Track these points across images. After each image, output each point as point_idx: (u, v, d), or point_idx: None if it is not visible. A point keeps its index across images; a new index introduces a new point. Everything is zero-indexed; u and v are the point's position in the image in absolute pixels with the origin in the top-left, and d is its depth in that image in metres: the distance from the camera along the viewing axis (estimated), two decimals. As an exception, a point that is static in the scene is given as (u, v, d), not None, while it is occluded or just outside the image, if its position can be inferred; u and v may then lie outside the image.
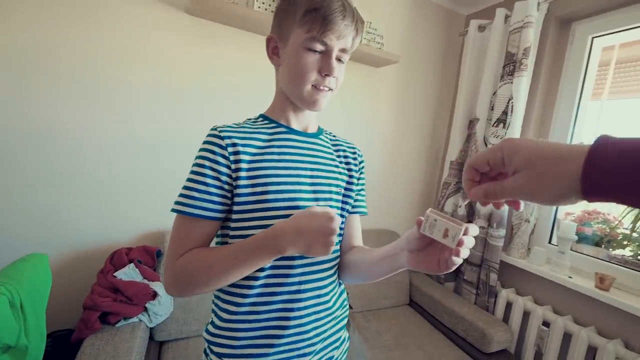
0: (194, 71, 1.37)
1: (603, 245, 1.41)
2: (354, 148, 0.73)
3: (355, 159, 0.71)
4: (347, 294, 0.73)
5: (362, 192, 0.73)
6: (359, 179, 0.72)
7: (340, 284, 0.69)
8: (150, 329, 1.18)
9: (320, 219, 0.49)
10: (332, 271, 0.65)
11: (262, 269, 0.56)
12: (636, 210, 1.33)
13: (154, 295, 1.15)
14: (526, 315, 1.45)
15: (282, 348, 0.58)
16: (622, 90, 1.48)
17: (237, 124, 0.61)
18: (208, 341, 0.60)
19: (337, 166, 0.67)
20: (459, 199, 1.74)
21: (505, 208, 1.51)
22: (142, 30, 1.27)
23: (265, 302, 0.57)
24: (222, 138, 0.56)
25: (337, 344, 0.66)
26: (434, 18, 1.89)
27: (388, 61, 1.63)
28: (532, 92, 1.53)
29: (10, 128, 1.14)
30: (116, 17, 1.23)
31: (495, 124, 1.55)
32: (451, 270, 0.47)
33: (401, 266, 0.55)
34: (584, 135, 1.49)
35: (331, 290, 0.64)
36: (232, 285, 0.58)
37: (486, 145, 1.62)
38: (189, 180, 0.55)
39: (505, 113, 1.52)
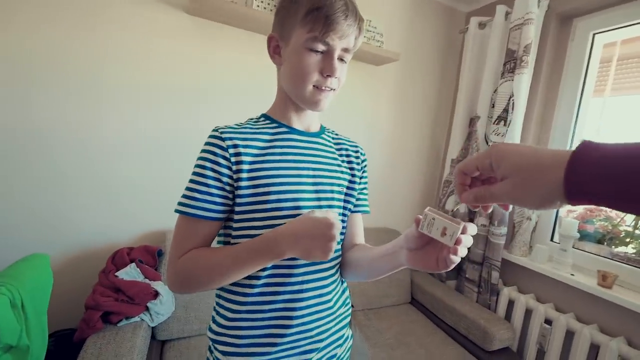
0: (194, 71, 1.37)
1: (605, 243, 1.40)
2: (356, 147, 0.73)
3: (357, 157, 0.71)
4: (349, 292, 0.73)
5: (364, 191, 0.73)
6: (361, 177, 0.71)
7: (342, 282, 0.69)
8: (152, 328, 1.19)
9: (320, 225, 0.49)
10: (333, 270, 0.65)
11: (264, 269, 0.56)
12: (639, 207, 1.32)
13: (156, 294, 1.15)
14: (528, 313, 1.44)
15: (285, 346, 0.58)
16: (625, 86, 1.47)
17: (238, 125, 0.61)
18: (212, 340, 0.60)
19: (339, 165, 0.67)
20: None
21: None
22: (142, 30, 1.27)
23: (268, 302, 0.58)
24: (223, 139, 0.56)
25: (340, 341, 0.66)
26: (434, 15, 1.88)
27: (388, 59, 1.63)
28: (533, 89, 1.52)
29: (14, 128, 1.14)
30: (116, 17, 1.23)
31: (496, 122, 1.55)
32: (450, 269, 0.48)
33: (400, 264, 0.56)
34: (586, 132, 1.49)
35: (333, 289, 0.64)
36: (234, 284, 0.58)
37: (487, 143, 1.62)
38: (191, 181, 0.56)
39: (506, 110, 1.51)
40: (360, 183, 0.71)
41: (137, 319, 1.11)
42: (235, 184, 0.56)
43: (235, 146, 0.56)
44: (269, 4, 1.34)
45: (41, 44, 1.14)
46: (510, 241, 1.57)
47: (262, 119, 0.64)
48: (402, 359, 1.29)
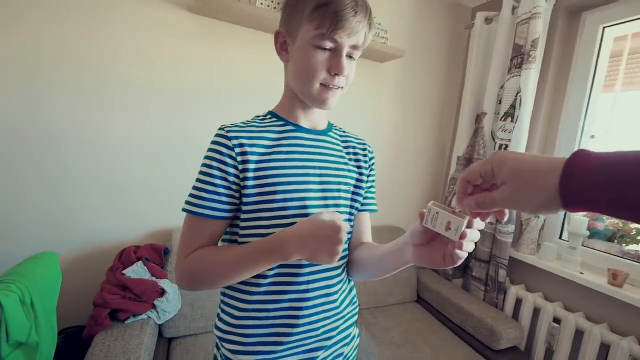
0: (200, 70, 1.38)
1: (616, 241, 1.38)
2: (364, 144, 0.72)
3: (365, 155, 0.70)
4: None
5: (371, 189, 0.72)
6: (368, 175, 0.70)
7: (349, 281, 0.69)
8: (159, 325, 1.20)
9: (328, 229, 0.49)
10: (340, 269, 0.65)
11: (270, 268, 0.56)
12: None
13: (162, 292, 1.16)
14: (536, 311, 1.42)
15: (291, 345, 0.58)
16: (636, 81, 1.44)
17: (245, 123, 0.60)
18: (219, 338, 0.61)
19: (346, 164, 0.66)
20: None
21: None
22: (147, 29, 1.27)
23: (274, 301, 0.58)
24: (229, 138, 0.55)
25: (347, 340, 0.66)
26: (439, 11, 1.86)
27: (392, 56, 1.61)
28: (540, 85, 1.49)
29: (23, 128, 1.16)
30: (121, 17, 1.23)
31: (503, 118, 1.53)
32: (457, 265, 0.47)
33: (406, 261, 0.55)
34: (595, 128, 1.46)
35: (340, 289, 0.64)
36: (241, 282, 0.58)
37: (494, 139, 1.60)
38: (198, 180, 0.56)
39: (513, 106, 1.49)
40: (367, 181, 0.70)
41: (144, 316, 1.12)
42: (242, 183, 0.56)
43: (241, 145, 0.55)
44: (272, 1, 1.34)
45: (50, 45, 1.16)
46: (517, 239, 1.55)
47: (268, 116, 0.63)
48: (408, 358, 1.29)
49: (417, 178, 1.99)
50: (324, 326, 0.61)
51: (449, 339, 1.45)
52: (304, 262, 0.58)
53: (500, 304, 1.54)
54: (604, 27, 1.40)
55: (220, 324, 0.61)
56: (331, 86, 0.56)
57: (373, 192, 0.73)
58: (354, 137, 0.72)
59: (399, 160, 1.91)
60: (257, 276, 0.57)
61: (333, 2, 0.51)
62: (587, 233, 1.33)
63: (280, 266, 0.57)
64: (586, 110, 1.45)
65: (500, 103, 1.57)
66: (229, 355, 0.59)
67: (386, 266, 0.60)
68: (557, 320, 1.35)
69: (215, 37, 1.38)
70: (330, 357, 0.63)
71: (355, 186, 0.67)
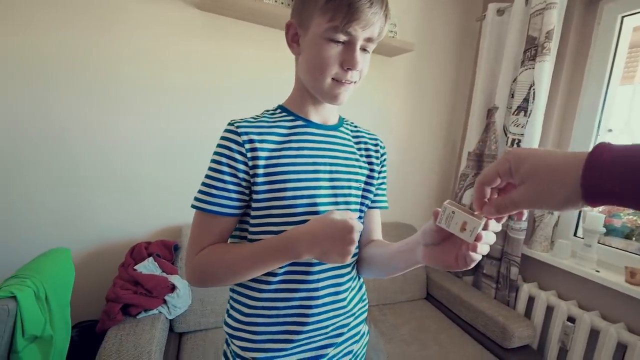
0: (208, 68, 1.38)
1: (634, 238, 1.33)
2: (376, 139, 0.70)
3: (377, 151, 0.68)
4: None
5: (382, 186, 0.70)
6: (380, 172, 0.68)
7: (359, 279, 0.68)
8: (170, 321, 1.22)
9: (340, 228, 0.48)
10: (350, 267, 0.64)
11: (281, 267, 0.56)
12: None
13: (173, 288, 1.17)
14: (549, 310, 1.39)
15: (301, 342, 0.58)
16: (656, 72, 1.39)
17: (254, 118, 0.59)
18: (229, 334, 0.61)
19: (357, 160, 0.64)
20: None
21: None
22: (154, 28, 1.28)
23: (284, 299, 0.57)
24: (239, 134, 0.54)
25: (357, 337, 0.66)
26: (449, 3, 1.82)
27: (402, 50, 1.59)
28: (555, 78, 1.45)
29: (32, 128, 1.18)
30: (129, 16, 1.24)
31: (515, 112, 1.49)
32: (469, 268, 0.45)
33: (416, 262, 0.53)
34: (613, 121, 1.41)
35: (350, 287, 0.64)
36: (250, 279, 0.58)
37: (506, 134, 1.56)
38: (207, 177, 0.55)
39: (526, 100, 1.45)
40: (378, 178, 0.68)
41: (155, 311, 1.14)
42: (252, 180, 0.55)
43: (251, 141, 0.54)
44: (280, -4, 1.33)
45: (59, 46, 1.17)
46: (530, 236, 1.52)
47: (278, 110, 0.62)
48: (417, 356, 1.28)
49: (426, 174, 1.96)
50: (333, 324, 0.60)
51: (459, 337, 1.43)
52: (315, 261, 0.57)
53: (512, 302, 1.51)
54: (622, 17, 1.35)
55: (229, 321, 0.61)
56: (344, 81, 0.54)
57: (384, 189, 0.71)
58: (365, 132, 0.70)
59: (408, 156, 1.88)
60: (267, 274, 0.56)
61: None
62: (604, 230, 1.30)
63: (290, 264, 0.56)
64: (603, 103, 1.40)
65: (512, 97, 1.53)
66: (238, 351, 0.59)
67: (396, 265, 0.59)
68: (571, 319, 1.32)
69: (223, 34, 1.38)
70: (340, 354, 0.63)
71: (366, 183, 0.66)
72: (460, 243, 0.45)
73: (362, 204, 0.65)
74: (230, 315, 0.61)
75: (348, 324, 0.63)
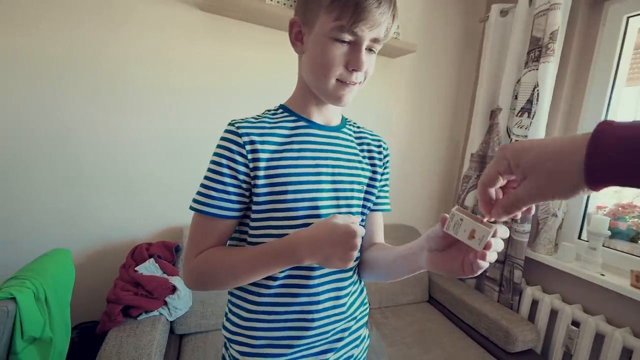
0: (211, 69, 1.38)
1: (639, 241, 1.32)
2: (379, 141, 0.69)
3: (380, 152, 0.67)
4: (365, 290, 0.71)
5: (385, 188, 0.69)
6: (382, 174, 0.67)
7: (360, 282, 0.67)
8: (171, 322, 1.21)
9: (342, 233, 0.47)
10: (352, 272, 0.63)
11: (281, 271, 0.55)
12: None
13: (174, 289, 1.17)
14: (553, 314, 1.38)
15: (301, 348, 0.57)
16: (662, 73, 1.37)
17: (256, 118, 0.58)
18: (227, 339, 0.60)
19: (360, 162, 0.63)
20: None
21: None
22: (157, 29, 1.28)
23: (284, 303, 0.56)
24: (239, 135, 0.53)
25: (357, 342, 0.65)
26: (453, 4, 1.81)
27: (405, 51, 1.58)
28: (559, 79, 1.44)
29: (36, 128, 1.18)
30: (131, 17, 1.24)
31: (519, 114, 1.48)
32: (475, 275, 0.44)
33: (419, 267, 0.52)
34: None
35: (351, 291, 0.63)
36: (251, 283, 0.57)
37: (509, 135, 1.55)
38: (207, 178, 0.54)
39: (530, 101, 1.44)
40: (381, 180, 0.67)
41: (155, 313, 1.14)
42: (252, 182, 0.54)
43: (252, 142, 0.53)
44: (282, -3, 1.33)
45: (64, 47, 1.18)
46: (534, 239, 1.50)
47: (280, 110, 0.60)
48: (419, 359, 1.27)
49: (428, 175, 1.95)
50: (334, 329, 0.59)
51: (462, 340, 1.41)
52: (316, 265, 0.56)
53: (515, 306, 1.49)
54: (628, 17, 1.34)
55: (228, 325, 0.60)
56: (348, 82, 0.53)
57: (386, 191, 0.70)
58: (369, 133, 0.69)
59: (410, 157, 1.87)
60: (268, 278, 0.55)
61: None
62: (609, 233, 1.28)
63: (291, 268, 0.55)
64: (608, 105, 1.38)
65: (516, 98, 1.52)
66: (237, 356, 0.58)
67: (398, 270, 0.57)
68: (575, 323, 1.30)
69: (226, 35, 1.38)
70: (340, 359, 0.62)
71: (368, 185, 0.65)
72: (466, 249, 0.44)
73: (364, 206, 0.64)
74: (228, 319, 0.60)
75: (349, 328, 0.62)
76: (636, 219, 1.35)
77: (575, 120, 1.48)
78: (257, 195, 0.54)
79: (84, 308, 1.27)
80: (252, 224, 0.56)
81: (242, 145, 0.53)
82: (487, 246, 0.41)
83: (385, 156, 0.68)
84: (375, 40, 0.52)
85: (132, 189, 1.34)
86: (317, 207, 0.56)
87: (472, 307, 1.48)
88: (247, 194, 0.55)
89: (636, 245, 1.31)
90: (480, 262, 0.42)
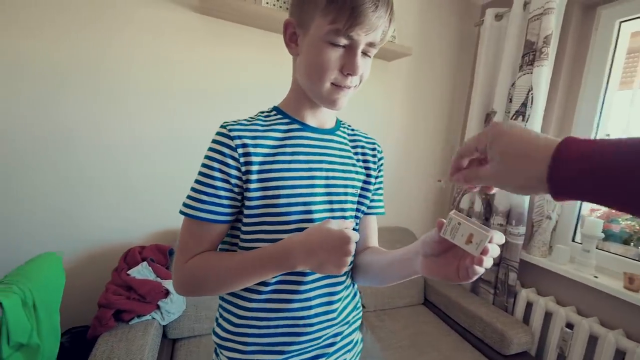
0: (204, 71, 1.37)
1: (632, 243, 1.33)
2: (373, 143, 0.68)
3: (374, 155, 0.67)
4: (361, 293, 0.71)
5: (379, 191, 0.68)
6: (376, 177, 0.67)
7: (353, 286, 0.67)
8: (164, 326, 1.19)
9: (336, 239, 0.46)
10: (344, 276, 0.62)
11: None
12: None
13: (167, 293, 1.15)
14: (548, 316, 1.38)
15: (292, 354, 0.56)
16: (654, 78, 1.39)
17: (248, 120, 0.57)
18: (218, 344, 0.59)
19: (354, 165, 0.62)
20: (475, 195, 1.68)
21: (525, 206, 1.45)
22: (153, 31, 1.27)
23: (276, 309, 0.55)
24: (231, 138, 0.52)
25: (350, 346, 0.64)
26: (448, 8, 1.82)
27: (400, 54, 1.58)
28: (553, 83, 1.45)
29: (25, 131, 1.16)
30: (127, 19, 1.23)
31: (514, 117, 1.48)
32: (471, 281, 0.43)
33: (414, 272, 0.52)
34: (611, 126, 1.41)
35: (343, 296, 0.62)
36: (242, 288, 0.56)
37: (504, 139, 1.55)
38: (197, 182, 0.53)
39: (524, 105, 1.45)
40: (375, 183, 0.66)
41: (148, 317, 1.12)
42: (244, 186, 0.53)
43: (244, 145, 0.52)
44: (278, 0, 1.32)
45: (65, 49, 1.17)
46: (528, 241, 1.51)
47: (273, 112, 0.59)
48: (415, 362, 1.26)
49: (424, 178, 1.95)
50: (326, 334, 0.58)
51: (457, 343, 1.41)
52: (308, 270, 0.55)
53: (510, 308, 1.50)
54: (620, 22, 1.35)
55: (218, 330, 0.59)
56: (343, 86, 0.52)
57: (381, 195, 0.69)
58: (363, 136, 0.68)
59: (406, 159, 1.88)
60: (259, 283, 0.54)
61: None
62: (602, 235, 1.29)
63: (283, 274, 0.54)
64: (601, 108, 1.40)
65: (511, 101, 1.53)
66: None
67: (392, 275, 0.57)
68: (569, 325, 1.31)
69: (223, 38, 1.37)
70: None
71: (362, 188, 0.64)
72: (461, 255, 0.44)
73: (358, 210, 0.64)
74: (219, 325, 0.59)
75: (341, 333, 0.61)
76: (629, 222, 1.36)
77: (569, 122, 1.49)
78: (249, 199, 0.53)
79: (75, 312, 1.25)
80: (244, 228, 0.55)
81: (234, 149, 0.52)
82: (485, 251, 0.40)
83: (379, 159, 0.68)
84: (371, 45, 0.51)
85: (126, 191, 1.33)
86: (310, 212, 0.55)
87: (467, 310, 1.48)
88: (239, 198, 0.54)
89: (629, 248, 1.32)
90: (477, 267, 0.41)
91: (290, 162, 0.55)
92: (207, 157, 0.53)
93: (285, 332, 0.56)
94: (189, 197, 0.53)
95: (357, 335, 0.67)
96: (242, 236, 0.55)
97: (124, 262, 1.23)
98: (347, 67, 0.50)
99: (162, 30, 1.28)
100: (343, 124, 0.67)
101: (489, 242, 0.40)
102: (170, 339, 1.23)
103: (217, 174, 0.52)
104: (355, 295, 0.67)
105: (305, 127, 0.59)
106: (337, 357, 0.61)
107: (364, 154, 0.66)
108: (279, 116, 0.59)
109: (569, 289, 1.38)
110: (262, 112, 0.60)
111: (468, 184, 0.42)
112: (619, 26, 1.36)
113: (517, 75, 1.50)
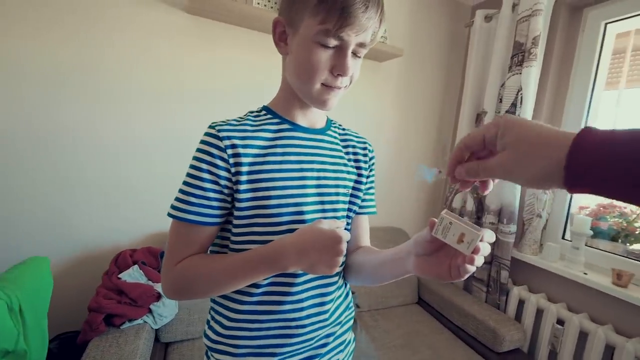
0: (195, 71, 1.36)
1: (620, 240, 1.35)
2: (364, 143, 0.68)
3: (365, 155, 0.66)
4: (354, 292, 0.71)
5: (370, 191, 0.68)
6: (368, 176, 0.67)
7: (345, 286, 0.66)
8: (156, 330, 1.18)
9: (327, 239, 0.46)
10: (336, 277, 0.62)
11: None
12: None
13: (158, 296, 1.14)
14: (539, 313, 1.40)
15: (285, 356, 0.56)
16: None
17: (237, 120, 0.56)
18: (208, 347, 0.58)
19: (345, 165, 0.62)
20: (467, 194, 1.70)
21: (516, 204, 1.47)
22: (144, 31, 1.26)
23: (267, 311, 0.55)
24: (220, 139, 0.51)
25: (342, 347, 0.64)
26: (438, 10, 1.84)
27: (392, 55, 1.59)
28: (542, 83, 1.47)
29: (12, 131, 1.14)
30: (118, 19, 1.22)
31: (504, 117, 1.50)
32: (462, 279, 0.44)
33: (406, 271, 0.52)
34: (598, 125, 1.42)
35: (336, 297, 0.62)
36: (233, 291, 0.55)
37: (495, 138, 1.57)
38: (186, 184, 0.52)
39: (514, 105, 1.47)
40: (366, 182, 0.66)
41: (140, 321, 1.10)
42: (234, 187, 0.52)
43: (233, 146, 0.51)
44: (269, 1, 1.32)
45: (65, 50, 1.16)
46: (519, 239, 1.53)
47: (263, 112, 0.58)
48: (409, 361, 1.27)
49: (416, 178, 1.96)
50: (318, 335, 0.58)
51: (451, 341, 1.42)
52: (300, 271, 0.55)
53: (502, 306, 1.51)
54: (606, 24, 1.38)
55: (209, 333, 0.58)
56: (333, 87, 0.52)
57: (372, 194, 0.69)
58: (354, 135, 0.68)
59: (398, 159, 1.89)
60: (250, 285, 0.54)
61: None
62: (591, 233, 1.31)
63: (274, 275, 0.54)
64: (589, 108, 1.42)
65: (501, 102, 1.55)
66: None
67: (384, 274, 0.57)
68: (560, 321, 1.32)
69: (211, 38, 1.36)
70: None
71: (354, 188, 0.64)
72: (453, 254, 0.44)
73: (349, 209, 0.64)
74: (210, 327, 0.59)
75: (334, 333, 0.61)
76: (617, 219, 1.39)
77: (558, 122, 1.51)
78: (240, 200, 0.52)
79: (64, 317, 1.22)
80: (235, 230, 0.54)
81: (224, 149, 0.51)
82: (476, 250, 0.41)
83: (370, 158, 0.68)
84: (361, 45, 0.51)
85: (116, 193, 1.31)
86: (301, 213, 0.55)
87: (460, 308, 1.49)
88: (228, 199, 0.53)
89: (617, 244, 1.35)
90: (468, 266, 0.42)
91: (281, 162, 0.55)
92: (195, 158, 0.52)
93: (277, 334, 0.55)
94: (177, 199, 0.52)
95: (350, 335, 0.67)
96: (233, 238, 0.55)
97: (114, 265, 1.21)
98: (338, 68, 0.50)
99: (155, 31, 1.27)
100: (334, 123, 0.67)
101: (480, 240, 0.41)
102: (162, 342, 1.22)
103: (205, 175, 0.51)
104: (347, 295, 0.67)
105: (296, 127, 0.58)
106: (330, 358, 0.61)
107: (355, 153, 0.65)
108: (268, 116, 0.58)
109: (559, 286, 1.40)
110: (252, 112, 0.59)
111: (470, 177, 0.39)
112: (605, 27, 1.39)
113: (506, 75, 1.52)
